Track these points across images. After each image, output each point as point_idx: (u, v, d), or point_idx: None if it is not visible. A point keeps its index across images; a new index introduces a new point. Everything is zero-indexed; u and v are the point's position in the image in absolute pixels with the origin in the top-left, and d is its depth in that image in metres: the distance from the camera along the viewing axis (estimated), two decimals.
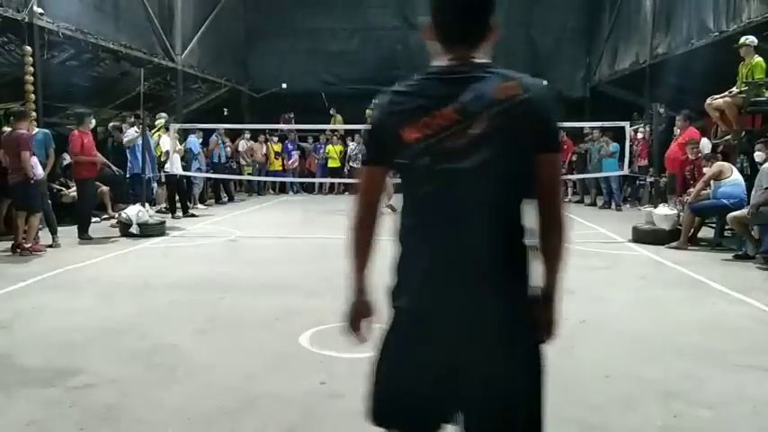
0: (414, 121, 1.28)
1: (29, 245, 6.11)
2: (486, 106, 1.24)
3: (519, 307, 1.32)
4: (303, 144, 15.07)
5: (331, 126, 14.56)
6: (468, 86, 1.27)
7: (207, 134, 11.81)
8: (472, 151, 1.24)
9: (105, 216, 8.65)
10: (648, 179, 9.36)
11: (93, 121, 7.49)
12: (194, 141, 10.71)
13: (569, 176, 12.34)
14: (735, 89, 7.27)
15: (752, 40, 7.06)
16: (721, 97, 7.38)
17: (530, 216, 1.38)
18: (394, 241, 1.41)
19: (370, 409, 1.44)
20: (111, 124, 9.72)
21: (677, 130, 8.53)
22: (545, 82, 1.32)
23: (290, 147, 14.70)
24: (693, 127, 8.41)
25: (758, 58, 7.00)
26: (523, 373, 1.31)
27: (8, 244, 6.26)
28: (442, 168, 1.26)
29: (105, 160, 7.81)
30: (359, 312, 1.57)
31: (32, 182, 6.13)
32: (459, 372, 1.29)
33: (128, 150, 8.70)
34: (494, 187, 1.27)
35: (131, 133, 8.81)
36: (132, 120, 9.56)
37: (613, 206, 10.82)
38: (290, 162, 14.62)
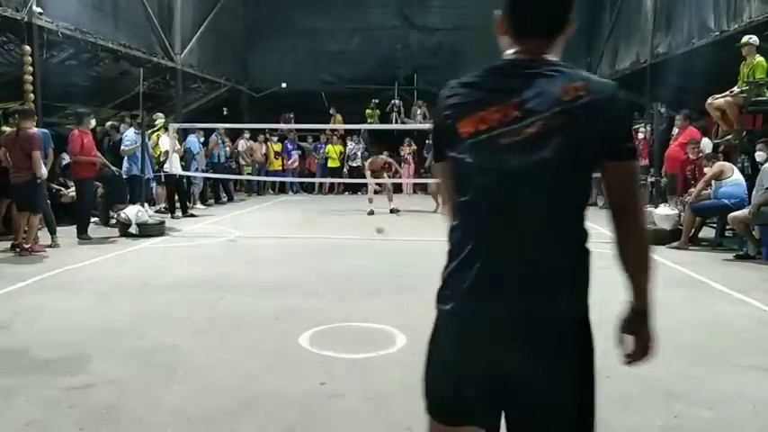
0: (471, 113, 1.23)
1: (29, 245, 6.10)
2: (548, 105, 1.18)
3: (568, 315, 1.26)
4: (302, 144, 15.08)
5: (331, 126, 14.56)
6: (533, 83, 1.21)
7: (207, 134, 11.81)
8: (527, 150, 1.18)
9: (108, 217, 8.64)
10: (649, 179, 9.35)
11: (93, 121, 7.49)
12: (194, 141, 10.71)
13: None
14: (736, 89, 7.26)
15: (755, 39, 7.04)
16: (722, 97, 7.38)
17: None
18: (446, 241, 1.34)
19: (426, 404, 1.45)
20: (108, 123, 9.71)
21: (676, 130, 8.53)
22: (615, 84, 1.24)
23: (289, 147, 14.70)
24: (693, 127, 8.41)
25: (760, 58, 6.99)
26: (571, 385, 1.26)
27: (8, 244, 6.26)
28: (493, 166, 1.20)
29: (105, 160, 7.80)
30: None
31: (38, 181, 6.14)
32: (505, 379, 1.25)
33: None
34: (548, 190, 1.20)
35: (130, 135, 8.82)
36: (129, 120, 9.57)
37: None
38: (289, 162, 14.62)
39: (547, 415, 1.24)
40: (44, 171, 6.21)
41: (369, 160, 10.85)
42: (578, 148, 1.19)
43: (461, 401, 1.31)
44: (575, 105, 1.17)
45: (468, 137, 1.22)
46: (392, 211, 10.11)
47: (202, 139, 11.24)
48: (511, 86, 1.22)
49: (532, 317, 1.22)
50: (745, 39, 7.10)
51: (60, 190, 8.11)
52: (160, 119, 9.76)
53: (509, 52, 1.31)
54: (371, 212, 10.03)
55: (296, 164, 14.69)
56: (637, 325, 1.33)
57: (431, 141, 1.41)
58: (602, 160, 1.22)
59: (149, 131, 9.40)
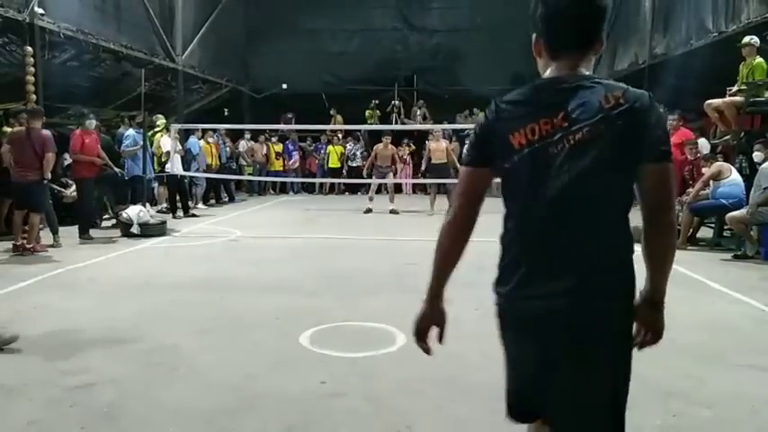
0: (522, 126, 1.33)
1: (30, 245, 6.12)
2: (592, 114, 1.29)
3: (619, 310, 1.37)
4: (301, 144, 15.10)
5: (331, 126, 14.59)
6: (576, 94, 1.32)
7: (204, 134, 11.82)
8: (576, 157, 1.29)
9: (106, 216, 8.66)
10: None
11: (94, 122, 7.49)
12: (194, 142, 10.73)
13: None
14: (734, 88, 7.27)
15: (756, 40, 7.05)
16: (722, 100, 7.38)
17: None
18: (499, 244, 1.49)
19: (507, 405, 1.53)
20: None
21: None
22: (649, 93, 1.33)
23: (290, 147, 14.72)
24: (686, 127, 8.43)
25: (759, 59, 6.99)
26: (616, 372, 1.41)
27: (8, 244, 6.27)
28: (545, 172, 1.32)
29: (108, 160, 7.82)
30: (430, 320, 1.61)
31: (45, 182, 6.16)
32: (558, 369, 1.36)
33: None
34: (596, 192, 1.30)
35: (130, 135, 8.85)
36: (128, 120, 9.59)
37: None
38: (290, 162, 14.64)
39: (586, 404, 1.38)
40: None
41: (377, 147, 10.76)
42: (621, 151, 1.29)
43: (525, 396, 1.45)
44: (616, 112, 1.28)
45: (521, 147, 1.33)
46: (392, 211, 10.12)
47: (211, 139, 11.26)
48: (556, 100, 1.33)
49: (582, 313, 1.32)
50: (746, 39, 7.10)
51: (62, 191, 8.13)
52: (161, 119, 9.78)
53: (547, 72, 1.42)
54: (369, 211, 10.04)
55: (297, 164, 14.71)
56: (651, 314, 1.45)
57: (469, 150, 1.51)
58: (641, 162, 1.31)
59: (150, 132, 9.43)
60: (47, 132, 6.21)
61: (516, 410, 1.50)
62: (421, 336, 1.58)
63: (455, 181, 9.19)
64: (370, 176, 10.92)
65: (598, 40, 1.40)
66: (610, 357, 1.37)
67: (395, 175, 12.71)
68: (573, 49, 1.38)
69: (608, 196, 1.32)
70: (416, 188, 14.72)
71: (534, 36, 1.48)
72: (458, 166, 10.89)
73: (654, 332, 1.46)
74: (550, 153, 1.31)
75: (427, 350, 1.57)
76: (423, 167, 10.79)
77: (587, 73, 1.39)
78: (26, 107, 6.88)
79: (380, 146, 10.70)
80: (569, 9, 1.35)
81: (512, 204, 1.42)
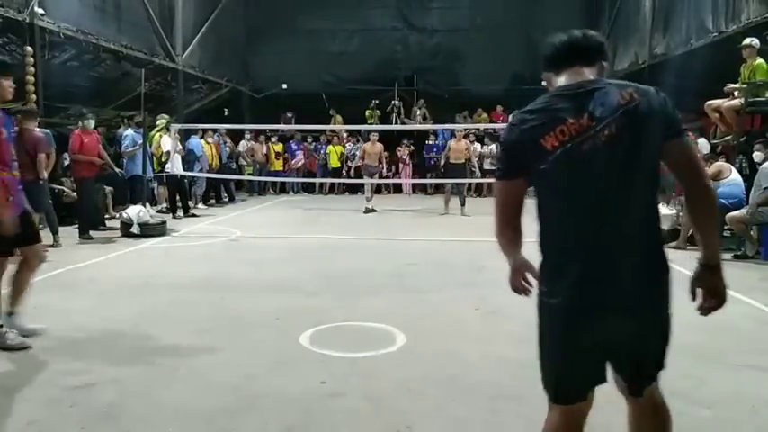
0: (551, 129, 1.47)
1: None
2: (614, 110, 1.44)
3: (662, 288, 1.54)
4: (306, 144, 15.10)
5: (331, 126, 14.59)
6: (593, 97, 1.47)
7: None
8: (607, 150, 1.43)
9: (106, 216, 8.67)
10: None
11: (93, 122, 7.46)
12: (197, 143, 10.72)
13: None
14: (733, 85, 7.23)
15: (756, 42, 7.04)
16: (721, 102, 7.38)
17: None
18: (538, 243, 1.61)
19: (550, 387, 1.68)
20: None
21: None
22: (654, 87, 1.54)
23: (294, 146, 14.72)
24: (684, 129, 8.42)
25: (760, 60, 6.98)
26: (660, 337, 1.63)
27: None
28: (581, 168, 1.45)
29: (108, 160, 7.82)
30: (520, 269, 1.79)
31: (41, 182, 6.16)
32: (610, 347, 1.55)
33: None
34: (630, 180, 1.44)
35: (129, 135, 8.86)
36: (127, 121, 9.59)
37: None
38: (294, 161, 14.64)
39: (641, 353, 1.62)
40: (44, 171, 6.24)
41: (365, 146, 10.78)
42: (645, 138, 1.44)
43: (572, 382, 1.60)
44: (633, 106, 1.44)
45: (555, 149, 1.46)
46: (368, 210, 10.13)
47: (211, 140, 11.27)
48: (576, 103, 1.48)
49: (627, 303, 1.47)
50: (746, 41, 7.09)
51: (63, 191, 8.12)
52: (164, 119, 9.78)
53: (560, 83, 1.58)
54: (367, 210, 10.05)
55: (300, 163, 14.70)
56: (710, 278, 1.56)
57: (499, 164, 1.67)
58: (664, 142, 1.47)
59: (155, 131, 9.44)
60: (39, 133, 6.20)
61: (562, 394, 1.65)
62: (518, 288, 1.83)
63: (469, 181, 9.12)
64: (361, 176, 10.96)
65: (598, 61, 1.58)
66: (659, 334, 1.59)
67: (394, 174, 12.74)
68: (576, 63, 1.56)
69: (641, 181, 1.46)
70: (416, 188, 14.74)
71: (544, 75, 1.66)
72: (475, 166, 10.96)
73: (717, 296, 1.57)
74: (583, 150, 1.44)
75: (528, 293, 1.80)
76: (442, 163, 10.72)
77: (596, 78, 1.54)
78: (26, 107, 6.87)
79: (368, 144, 10.75)
80: (567, 43, 1.58)
81: (550, 202, 1.55)
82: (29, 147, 6.06)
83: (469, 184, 11.05)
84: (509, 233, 1.69)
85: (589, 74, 1.54)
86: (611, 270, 1.46)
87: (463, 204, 9.80)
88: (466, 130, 11.24)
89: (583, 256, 1.47)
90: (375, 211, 10.20)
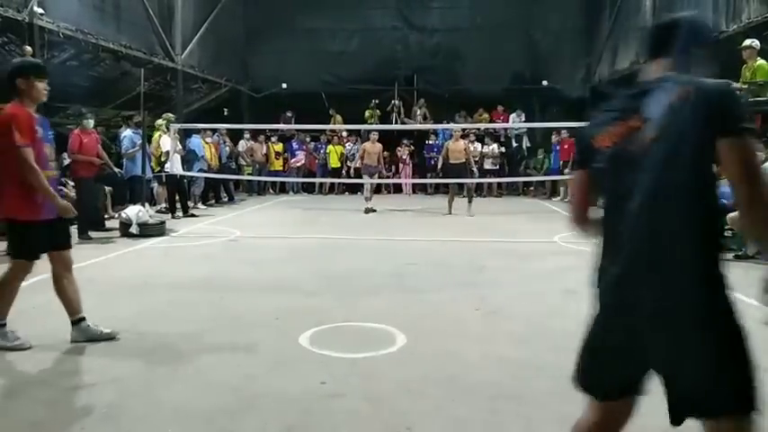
0: (606, 129, 1.52)
1: None
2: (662, 111, 1.42)
3: (710, 299, 1.40)
4: (306, 143, 15.12)
5: (331, 126, 14.59)
6: (651, 95, 1.46)
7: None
8: (652, 152, 1.41)
9: (106, 216, 8.67)
10: None
11: (91, 122, 7.44)
12: (198, 143, 10.72)
13: (569, 177, 12.37)
14: (736, 85, 7.24)
15: (756, 43, 7.02)
16: None
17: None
18: (596, 240, 1.60)
19: (574, 377, 1.67)
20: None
21: None
22: (727, 81, 1.45)
23: (295, 146, 14.72)
24: None
25: (761, 61, 6.96)
26: (707, 358, 1.39)
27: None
28: (626, 170, 1.45)
29: (108, 160, 7.81)
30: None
31: None
32: (651, 350, 1.44)
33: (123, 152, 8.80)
34: (673, 183, 1.39)
35: (127, 135, 8.85)
36: (127, 121, 9.58)
37: None
38: (293, 160, 14.63)
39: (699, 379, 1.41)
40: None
41: (364, 145, 10.72)
42: (692, 139, 1.38)
43: (594, 377, 1.59)
44: (683, 104, 1.39)
45: (606, 149, 1.51)
46: (368, 210, 10.12)
47: (209, 139, 11.26)
48: (634, 103, 1.49)
49: (676, 299, 1.39)
50: (747, 42, 7.07)
51: (62, 189, 8.11)
52: (169, 119, 9.77)
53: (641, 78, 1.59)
54: (368, 210, 10.04)
55: (301, 162, 14.70)
56: None
57: (573, 155, 1.67)
58: (716, 140, 1.37)
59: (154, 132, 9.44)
60: None
61: (583, 383, 1.65)
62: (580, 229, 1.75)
63: (471, 181, 9.10)
64: (361, 176, 10.93)
65: (679, 49, 1.53)
66: (702, 353, 1.40)
67: (394, 174, 12.71)
68: (656, 54, 1.56)
69: (687, 185, 1.39)
70: (416, 188, 14.74)
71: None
72: (474, 166, 10.93)
73: None
74: (630, 152, 1.44)
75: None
76: (439, 165, 10.68)
77: (669, 73, 1.50)
78: None
79: (368, 144, 10.71)
80: (648, 35, 1.62)
81: (604, 201, 1.59)
82: None
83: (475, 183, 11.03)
84: (579, 225, 1.71)
85: (663, 67, 1.52)
86: (648, 274, 1.41)
87: (470, 202, 9.80)
88: (464, 129, 11.21)
89: (623, 258, 1.46)
90: (375, 210, 10.20)
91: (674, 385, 1.41)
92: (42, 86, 3.39)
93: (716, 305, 1.39)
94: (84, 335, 3.40)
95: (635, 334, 1.44)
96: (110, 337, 3.41)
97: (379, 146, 10.76)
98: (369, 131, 11.19)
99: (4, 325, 3.35)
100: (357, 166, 11.52)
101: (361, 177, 11.49)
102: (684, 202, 1.40)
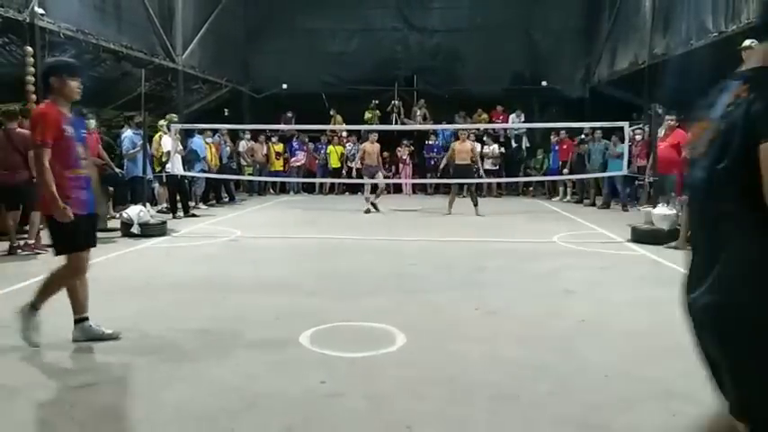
0: (692, 130, 1.52)
1: (32, 241, 6.13)
2: (720, 111, 1.33)
3: (737, 318, 1.33)
4: (306, 143, 15.12)
5: (331, 126, 14.60)
6: (722, 94, 1.37)
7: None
8: (707, 155, 1.34)
9: (108, 216, 8.67)
10: (648, 179, 9.38)
11: (93, 122, 7.45)
12: (200, 143, 10.73)
13: (569, 177, 12.37)
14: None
15: (756, 43, 7.01)
16: None
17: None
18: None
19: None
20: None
21: (662, 131, 8.54)
22: None
23: (295, 146, 14.73)
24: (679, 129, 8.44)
25: None
26: (730, 372, 1.38)
27: (7, 244, 6.27)
28: (692, 173, 1.42)
29: (109, 161, 7.81)
30: None
31: (35, 180, 6.16)
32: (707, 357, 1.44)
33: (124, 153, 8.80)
34: (718, 189, 1.32)
35: (128, 136, 8.85)
36: (128, 121, 9.58)
37: (619, 206, 10.84)
38: (293, 160, 14.64)
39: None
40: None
41: (364, 146, 10.69)
42: (736, 143, 1.26)
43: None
44: (735, 105, 1.29)
45: (690, 150, 1.51)
46: (368, 209, 10.11)
47: (210, 140, 11.26)
48: (714, 101, 1.39)
49: (699, 318, 1.39)
50: (747, 42, 7.05)
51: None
52: (171, 119, 9.77)
53: None
54: (368, 211, 10.04)
55: (301, 162, 14.70)
56: None
57: None
58: (758, 145, 1.23)
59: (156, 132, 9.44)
60: (26, 132, 6.21)
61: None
62: None
63: (472, 181, 9.08)
64: (361, 176, 10.93)
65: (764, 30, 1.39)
66: (727, 366, 1.37)
67: (394, 174, 12.69)
68: (761, 38, 1.42)
69: (731, 192, 1.29)
70: (416, 188, 14.75)
71: None
72: (480, 166, 10.92)
73: None
74: (697, 153, 1.40)
75: None
76: (442, 166, 10.67)
77: (754, 66, 1.37)
78: (6, 108, 6.84)
79: (367, 144, 10.69)
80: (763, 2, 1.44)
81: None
82: (19, 146, 6.06)
83: (477, 184, 11.05)
84: None
85: (759, 56, 1.37)
86: (697, 279, 1.40)
87: (476, 204, 9.84)
88: (468, 131, 11.23)
89: (690, 260, 1.46)
90: (378, 210, 10.18)
91: (719, 381, 1.43)
92: (75, 85, 3.37)
93: (741, 326, 1.32)
94: (86, 334, 3.42)
95: (696, 336, 1.44)
96: (111, 338, 3.43)
97: (377, 146, 10.77)
98: (368, 132, 11.17)
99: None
100: (357, 166, 11.51)
101: (361, 177, 11.49)
102: (728, 211, 1.31)
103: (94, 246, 3.59)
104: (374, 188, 10.59)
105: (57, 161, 3.23)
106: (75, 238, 3.34)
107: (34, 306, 3.39)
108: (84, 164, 3.43)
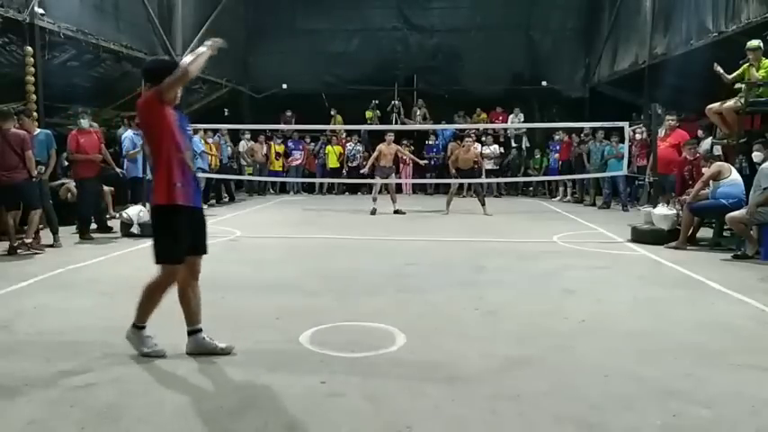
0: None
1: (29, 240, 6.13)
2: None
3: None
4: (306, 143, 15.12)
5: (331, 126, 14.61)
6: None
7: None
8: None
9: (107, 216, 8.67)
10: (648, 179, 9.38)
11: (84, 121, 7.32)
12: (197, 141, 10.73)
13: (569, 176, 12.37)
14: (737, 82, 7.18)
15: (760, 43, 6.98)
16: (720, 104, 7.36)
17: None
18: None
19: None
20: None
21: (662, 131, 8.53)
22: None
23: (291, 145, 14.73)
24: (685, 128, 8.44)
25: (766, 61, 6.93)
26: None
27: (7, 244, 6.27)
28: None
29: (110, 160, 7.79)
30: None
31: (33, 179, 6.16)
32: None
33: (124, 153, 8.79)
34: None
35: (128, 136, 8.85)
36: (127, 121, 9.57)
37: (619, 206, 10.84)
38: (290, 159, 14.63)
39: None
40: (39, 169, 6.24)
41: (380, 147, 10.49)
42: None
43: None
44: None
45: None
46: (396, 211, 10.09)
47: (210, 140, 11.25)
48: None
49: None
50: (755, 42, 7.00)
51: (63, 184, 8.10)
52: None
53: None
54: (374, 212, 10.02)
55: (298, 161, 14.69)
56: None
57: None
58: None
59: None
60: (23, 132, 6.20)
61: None
62: None
63: (473, 181, 9.10)
64: (371, 176, 10.83)
65: None
66: None
67: (397, 173, 12.64)
68: None
69: None
70: (416, 188, 14.74)
71: None
72: (482, 168, 10.93)
73: None
74: None
75: None
76: (452, 172, 10.66)
77: None
78: (26, 107, 6.85)
79: (383, 145, 10.47)
80: None
81: None
82: (15, 147, 6.06)
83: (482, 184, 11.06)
84: None
85: None
86: None
87: (483, 204, 9.89)
88: (473, 136, 11.24)
89: None
90: (404, 212, 10.07)
91: None
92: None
93: None
94: (199, 347, 3.22)
95: None
96: (225, 353, 3.19)
97: (394, 147, 10.62)
98: (383, 132, 11.06)
99: (144, 328, 3.25)
100: (365, 171, 11.27)
101: (360, 177, 11.47)
102: None
103: (205, 252, 3.28)
104: (386, 190, 10.53)
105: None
106: (179, 239, 3.09)
107: (137, 325, 3.23)
108: (189, 155, 3.16)
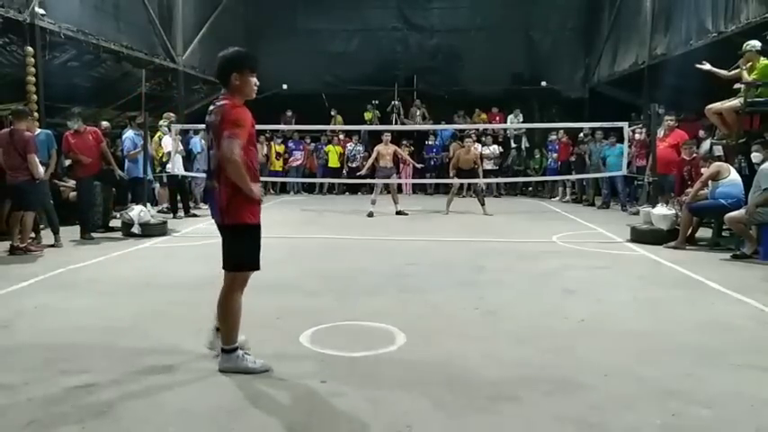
0: None
1: (23, 244, 6.13)
2: None
3: None
4: (306, 143, 15.12)
5: (331, 126, 14.61)
6: None
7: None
8: None
9: (110, 216, 8.66)
10: (647, 180, 9.39)
11: (73, 123, 7.24)
12: (196, 141, 10.74)
13: (569, 177, 12.37)
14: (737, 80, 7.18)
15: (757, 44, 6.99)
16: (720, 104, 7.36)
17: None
18: None
19: None
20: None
21: (661, 132, 8.53)
22: None
23: (291, 145, 14.73)
24: (684, 128, 8.45)
25: (765, 60, 6.94)
26: None
27: (8, 244, 6.28)
28: None
29: (110, 160, 7.77)
30: None
31: (36, 181, 6.17)
32: None
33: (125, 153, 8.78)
34: None
35: (129, 137, 8.85)
36: (127, 121, 9.57)
37: (619, 206, 10.85)
38: (291, 159, 14.63)
39: None
40: (41, 171, 6.23)
41: (378, 147, 10.43)
42: None
43: None
44: None
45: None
46: (399, 212, 10.08)
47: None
48: None
49: None
50: (754, 43, 6.99)
51: (64, 183, 8.09)
52: (169, 119, 9.76)
53: None
54: (371, 214, 10.00)
55: (299, 162, 14.69)
56: None
57: None
58: None
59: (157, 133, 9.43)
60: (29, 134, 6.21)
61: None
62: None
63: (476, 181, 9.11)
64: (371, 177, 10.80)
65: None
66: None
67: (397, 173, 12.63)
68: None
69: None
70: (416, 188, 14.74)
71: None
72: (481, 169, 10.95)
73: None
74: None
75: None
76: (451, 174, 10.65)
77: None
78: (17, 107, 6.83)
79: (381, 146, 10.43)
80: None
81: None
82: (19, 148, 6.07)
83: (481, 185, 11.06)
84: None
85: None
86: None
87: (483, 204, 9.94)
88: (473, 137, 11.24)
89: None
90: (407, 213, 10.05)
91: None
92: (254, 81, 2.98)
93: None
94: (235, 365, 3.00)
95: None
96: (264, 370, 3.00)
97: (392, 147, 10.56)
98: (381, 133, 11.02)
99: (234, 350, 3.02)
100: (363, 172, 11.24)
101: (360, 177, 11.44)
102: None
103: (257, 268, 3.12)
104: (387, 190, 10.51)
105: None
106: (256, 251, 3.03)
107: (227, 350, 3.02)
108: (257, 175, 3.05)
